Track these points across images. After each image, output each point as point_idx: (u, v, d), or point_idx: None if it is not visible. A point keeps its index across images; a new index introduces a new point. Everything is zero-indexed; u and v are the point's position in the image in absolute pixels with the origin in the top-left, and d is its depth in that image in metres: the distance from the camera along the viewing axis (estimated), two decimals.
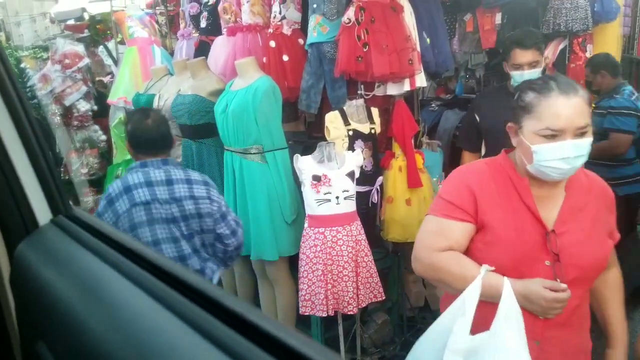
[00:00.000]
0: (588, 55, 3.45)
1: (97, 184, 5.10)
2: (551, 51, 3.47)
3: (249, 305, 0.48)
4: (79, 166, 4.89)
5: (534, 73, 2.21)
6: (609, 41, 3.53)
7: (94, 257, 0.63)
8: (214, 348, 0.42)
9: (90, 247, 0.65)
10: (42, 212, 0.73)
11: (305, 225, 2.52)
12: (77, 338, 0.55)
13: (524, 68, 2.25)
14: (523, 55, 2.25)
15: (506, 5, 3.61)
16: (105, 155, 5.20)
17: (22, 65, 6.84)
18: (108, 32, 6.61)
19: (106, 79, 4.60)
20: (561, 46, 3.44)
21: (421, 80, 2.66)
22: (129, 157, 3.58)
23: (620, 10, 3.47)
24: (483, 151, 2.55)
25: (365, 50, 2.50)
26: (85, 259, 0.64)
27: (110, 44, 4.18)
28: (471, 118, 2.61)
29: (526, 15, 3.59)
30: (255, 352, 0.40)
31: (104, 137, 4.97)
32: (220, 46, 3.31)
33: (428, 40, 2.70)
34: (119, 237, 0.67)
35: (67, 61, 4.91)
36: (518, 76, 2.25)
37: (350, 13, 2.54)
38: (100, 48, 4.94)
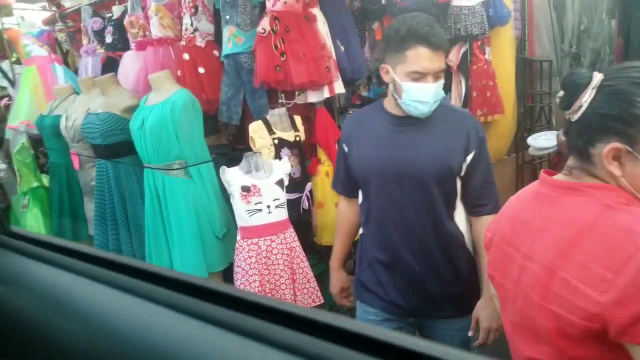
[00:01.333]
0: (487, 57, 3.75)
1: None
2: (454, 55, 3.72)
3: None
4: None
5: (439, 87, 1.61)
6: (504, 43, 3.86)
7: (46, 267, 0.61)
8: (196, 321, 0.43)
9: (40, 257, 0.63)
10: None
11: (238, 237, 2.47)
12: (45, 347, 0.54)
13: (429, 78, 1.58)
14: (431, 59, 1.55)
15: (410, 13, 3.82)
16: (2, 186, 4.75)
17: None
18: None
19: (2, 102, 4.20)
20: (463, 50, 3.70)
21: (339, 87, 2.73)
22: (35, 184, 3.30)
23: (511, 15, 3.81)
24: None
25: (283, 59, 2.52)
26: (39, 270, 0.62)
27: (4, 64, 3.84)
28: (340, 150, 1.91)
29: None
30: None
31: (3, 166, 4.55)
32: (130, 61, 3.17)
33: (342, 47, 2.78)
34: (64, 242, 0.65)
35: None
36: (416, 90, 1.57)
37: (264, 23, 2.55)
38: None
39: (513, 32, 3.92)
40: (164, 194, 2.54)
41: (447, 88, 4.34)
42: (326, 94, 2.69)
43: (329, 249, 2.95)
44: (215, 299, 0.45)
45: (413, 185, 1.68)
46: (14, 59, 3.84)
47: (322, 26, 2.64)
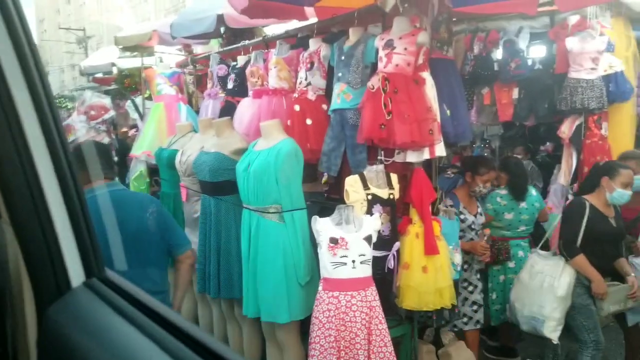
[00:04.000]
0: (603, 132, 3.52)
1: None
2: (567, 127, 3.54)
3: None
4: None
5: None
6: (624, 120, 3.61)
7: (126, 324, 0.61)
8: None
9: (123, 313, 0.63)
10: (75, 273, 0.69)
11: (320, 288, 2.49)
12: None
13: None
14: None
15: (523, 80, 3.74)
16: None
17: None
18: (134, 86, 6.92)
19: (131, 132, 4.74)
20: (577, 122, 3.52)
21: (440, 150, 2.71)
22: None
23: (634, 91, 3.57)
24: None
25: (388, 118, 2.58)
26: (118, 325, 0.62)
27: (138, 99, 4.35)
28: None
29: (543, 92, 3.71)
30: None
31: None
32: (246, 107, 3.44)
33: (448, 112, 2.78)
34: (152, 303, 0.64)
35: (92, 112, 5.10)
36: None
37: (375, 80, 2.64)
38: (128, 102, 5.14)
39: (634, 108, 3.65)
40: (257, 234, 2.65)
41: (557, 160, 4.11)
42: (426, 155, 2.69)
43: (409, 312, 2.86)
44: None
45: None
46: (146, 95, 4.35)
47: (430, 89, 2.67)
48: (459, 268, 2.98)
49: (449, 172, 4.59)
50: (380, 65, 2.70)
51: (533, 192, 3.48)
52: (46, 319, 0.67)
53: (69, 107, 8.92)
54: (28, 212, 0.63)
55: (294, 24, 4.07)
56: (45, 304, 0.67)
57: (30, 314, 0.68)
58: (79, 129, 4.91)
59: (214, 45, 5.79)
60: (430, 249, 2.71)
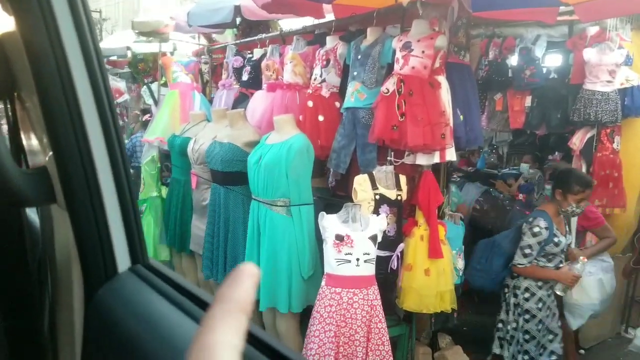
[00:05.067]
0: (615, 146, 3.51)
1: None
2: (579, 139, 3.54)
3: None
4: None
5: None
6: (638, 135, 3.60)
7: (172, 307, 0.63)
8: None
9: (168, 296, 0.65)
10: (122, 259, 0.72)
11: (323, 283, 2.52)
12: None
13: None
14: None
15: (537, 89, 3.73)
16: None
17: None
18: (147, 70, 6.95)
19: (144, 117, 4.78)
20: (589, 135, 3.51)
21: (451, 154, 2.72)
22: (155, 194, 3.67)
23: None
24: None
25: (401, 120, 2.60)
26: (164, 309, 0.64)
27: (154, 85, 4.38)
28: None
29: (556, 101, 3.70)
30: None
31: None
32: (260, 100, 3.46)
33: (461, 117, 2.79)
34: (196, 290, 0.66)
35: None
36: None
37: (389, 84, 2.66)
38: (143, 88, 5.18)
39: None
40: (265, 226, 2.69)
41: None
42: (436, 159, 2.70)
43: (407, 313, 2.89)
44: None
45: None
46: (162, 82, 4.38)
47: (445, 94, 2.68)
48: (461, 273, 3.00)
49: (454, 176, 4.61)
50: (397, 67, 2.71)
51: None
52: (94, 301, 0.70)
53: None
54: (83, 199, 0.66)
55: (310, 20, 4.10)
56: (93, 287, 0.70)
57: (77, 295, 0.72)
58: None
59: (228, 36, 5.81)
60: (435, 252, 2.73)
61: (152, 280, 0.69)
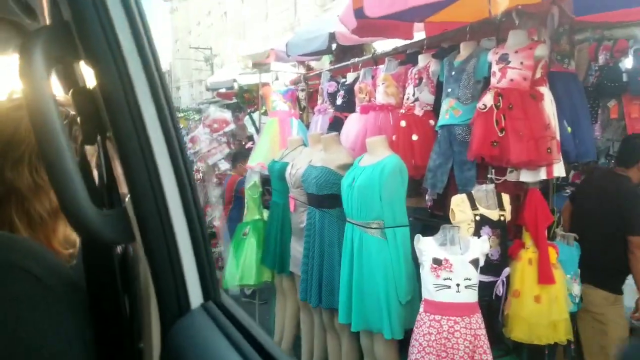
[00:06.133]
0: None
1: None
2: None
3: None
4: (211, 219, 5.39)
5: None
6: None
7: (233, 351, 0.64)
8: None
9: (231, 339, 0.67)
10: (195, 295, 0.74)
11: (421, 309, 2.43)
12: None
13: None
14: None
15: None
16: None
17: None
18: (252, 100, 7.39)
19: (248, 145, 5.08)
20: None
21: (559, 170, 2.50)
22: (257, 217, 3.85)
23: None
24: None
25: (501, 135, 2.46)
26: (225, 351, 0.65)
27: (255, 114, 4.65)
28: None
29: None
30: None
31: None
32: (353, 122, 3.50)
33: (569, 129, 2.57)
34: (258, 333, 0.68)
35: (215, 125, 5.57)
36: None
37: (487, 99, 2.53)
38: (246, 117, 5.51)
39: None
40: (360, 250, 2.68)
41: None
42: (543, 175, 2.50)
43: (516, 344, 2.67)
44: None
45: None
46: (262, 111, 4.64)
47: (549, 105, 2.49)
48: (577, 300, 2.71)
49: (567, 190, 4.20)
50: (494, 81, 2.58)
51: None
52: (169, 338, 0.72)
53: (196, 119, 9.78)
54: (157, 238, 0.69)
55: (402, 40, 4.08)
56: (168, 323, 0.72)
57: (155, 330, 0.74)
58: (203, 140, 5.40)
59: (326, 62, 5.99)
60: (545, 277, 2.51)
61: (220, 320, 0.71)
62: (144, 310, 0.79)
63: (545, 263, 2.53)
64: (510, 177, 2.68)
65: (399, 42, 3.85)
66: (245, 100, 7.59)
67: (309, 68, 6.11)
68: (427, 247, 2.40)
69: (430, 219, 3.18)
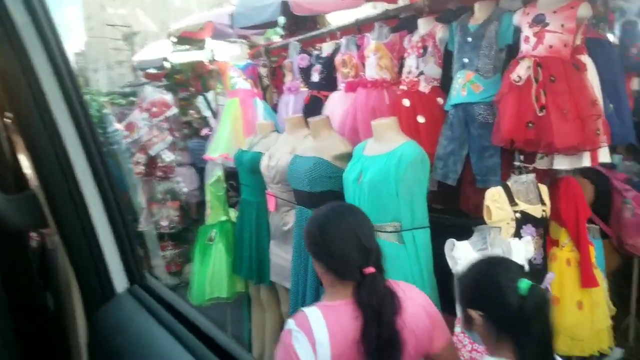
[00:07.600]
0: None
1: (177, 237, 4.80)
2: None
3: None
4: (158, 218, 4.63)
5: None
6: None
7: (163, 331, 0.67)
8: None
9: (162, 321, 0.69)
10: (119, 280, 0.76)
11: (457, 329, 1.98)
12: None
13: None
14: None
15: None
16: (185, 209, 4.93)
17: (105, 111, 6.85)
18: (186, 82, 6.58)
19: (204, 132, 4.36)
20: None
21: (604, 155, 2.15)
22: (223, 218, 3.21)
23: None
24: None
25: (540, 114, 2.03)
26: (156, 333, 0.67)
27: (210, 95, 3.95)
28: None
29: None
30: None
31: (185, 189, 4.72)
32: (337, 102, 2.95)
33: (611, 106, 2.20)
34: (188, 312, 0.71)
35: (154, 109, 4.77)
36: None
37: (521, 70, 2.09)
38: (200, 98, 4.77)
39: None
40: None
41: None
42: (586, 161, 2.13)
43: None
44: None
45: None
46: (218, 90, 3.94)
47: (594, 77, 2.10)
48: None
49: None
50: (527, 47, 2.14)
51: None
52: (94, 322, 0.76)
53: (122, 103, 8.74)
54: (73, 223, 0.71)
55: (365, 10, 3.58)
56: (93, 308, 0.76)
57: (80, 316, 0.77)
58: (142, 127, 4.59)
59: (271, 37, 5.35)
60: (588, 280, 2.17)
61: (147, 302, 0.75)
62: (67, 301, 0.80)
63: (587, 263, 2.18)
64: (541, 164, 2.29)
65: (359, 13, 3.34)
66: (176, 82, 6.76)
67: (253, 45, 5.45)
68: (465, 254, 1.94)
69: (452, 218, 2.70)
